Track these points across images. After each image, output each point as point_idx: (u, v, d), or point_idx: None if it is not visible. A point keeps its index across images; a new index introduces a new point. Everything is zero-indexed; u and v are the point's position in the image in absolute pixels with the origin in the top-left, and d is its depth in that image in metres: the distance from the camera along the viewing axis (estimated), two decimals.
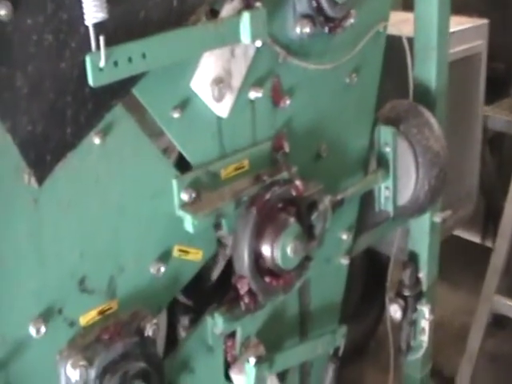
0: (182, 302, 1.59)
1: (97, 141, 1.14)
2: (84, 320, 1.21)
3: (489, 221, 3.00)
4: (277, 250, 1.38)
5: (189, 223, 1.28)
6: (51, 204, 1.12)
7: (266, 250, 1.39)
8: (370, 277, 2.51)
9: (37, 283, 1.13)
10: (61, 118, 1.07)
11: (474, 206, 2.36)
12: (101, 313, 1.22)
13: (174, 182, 1.28)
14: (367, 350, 2.65)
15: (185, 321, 1.63)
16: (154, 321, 1.26)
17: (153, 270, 1.30)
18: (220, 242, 1.43)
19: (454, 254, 2.25)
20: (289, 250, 1.39)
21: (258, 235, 1.37)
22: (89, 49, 1.05)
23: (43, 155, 1.07)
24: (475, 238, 3.04)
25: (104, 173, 1.18)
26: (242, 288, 1.41)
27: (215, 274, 1.50)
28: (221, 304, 1.45)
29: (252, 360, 1.50)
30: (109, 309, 1.23)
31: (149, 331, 1.25)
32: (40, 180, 1.08)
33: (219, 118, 1.33)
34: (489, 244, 2.88)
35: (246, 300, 1.43)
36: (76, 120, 1.09)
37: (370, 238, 1.93)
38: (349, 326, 1.79)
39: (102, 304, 1.22)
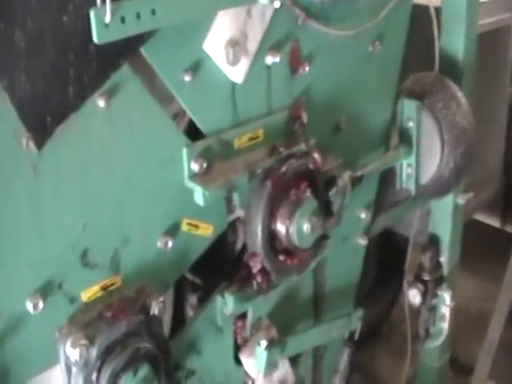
0: (190, 279, 1.58)
1: (101, 103, 1.11)
2: (85, 296, 1.18)
3: (509, 205, 2.89)
4: (292, 227, 1.36)
5: (199, 195, 1.25)
6: (52, 170, 1.09)
7: (280, 226, 1.36)
8: (384, 258, 2.47)
9: (35, 255, 1.10)
10: (62, 77, 1.04)
11: (496, 189, 2.32)
12: (103, 288, 1.20)
13: (184, 151, 1.25)
14: (380, 334, 2.62)
15: (193, 299, 1.62)
16: (161, 298, 1.24)
17: (160, 244, 1.27)
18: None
19: (472, 238, 2.15)
20: (305, 227, 1.37)
21: (272, 210, 1.35)
22: (94, 2, 1.00)
23: (43, 117, 1.03)
24: (494, 222, 2.93)
25: (109, 138, 1.14)
26: (255, 266, 1.38)
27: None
28: (231, 282, 1.43)
29: (263, 343, 1.48)
30: (112, 284, 1.21)
31: (154, 309, 1.23)
32: (39, 144, 1.04)
33: (233, 84, 1.30)
34: (509, 229, 2.81)
35: (259, 279, 1.41)
36: (79, 79, 1.05)
37: (389, 218, 1.88)
38: (362, 308, 1.77)
39: (104, 279, 1.20)
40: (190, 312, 1.62)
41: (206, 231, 1.35)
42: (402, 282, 1.98)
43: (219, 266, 1.50)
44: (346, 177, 1.46)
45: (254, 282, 1.41)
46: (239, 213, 1.40)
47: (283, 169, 1.35)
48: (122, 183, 1.18)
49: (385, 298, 2.58)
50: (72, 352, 1.12)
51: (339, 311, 1.76)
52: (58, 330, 1.15)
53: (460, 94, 1.66)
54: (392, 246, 2.31)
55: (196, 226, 1.33)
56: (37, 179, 1.06)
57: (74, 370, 1.13)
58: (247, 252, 1.38)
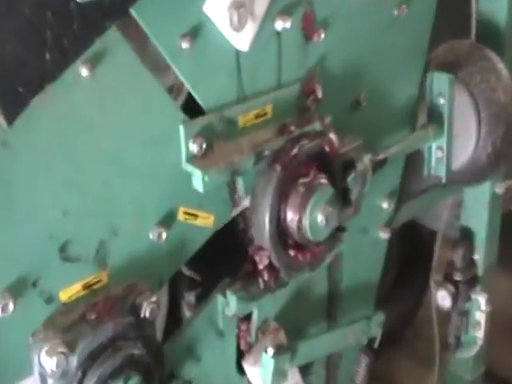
0: (188, 275, 1.58)
1: (84, 72, 1.07)
2: (65, 295, 1.16)
3: None
4: (304, 217, 1.35)
5: (198, 180, 1.23)
6: (26, 148, 1.05)
7: (291, 216, 1.35)
8: (408, 254, 2.50)
9: (5, 247, 1.07)
10: (38, 40, 1.00)
11: None
12: (87, 286, 1.17)
13: (181, 129, 1.23)
14: (403, 339, 2.63)
15: (190, 298, 1.63)
16: (153, 298, 1.21)
17: (152, 236, 1.24)
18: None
19: (507, 232, 2.13)
20: (319, 218, 1.36)
21: (281, 198, 1.34)
22: None
23: (13, 86, 0.99)
24: None
25: (94, 113, 1.11)
26: (261, 261, 1.38)
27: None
28: (234, 279, 1.42)
29: (270, 349, 1.47)
30: (97, 282, 1.19)
31: (146, 311, 1.20)
32: (9, 118, 1.00)
33: (238, 52, 1.27)
34: None
35: (265, 276, 1.40)
36: (57, 43, 1.02)
37: (415, 208, 1.87)
38: (381, 310, 1.78)
39: (88, 275, 1.18)
40: (186, 312, 1.63)
41: (206, 221, 1.33)
42: (428, 280, 1.96)
43: (221, 260, 1.50)
44: (366, 160, 1.45)
45: (260, 280, 1.40)
46: (244, 201, 1.39)
47: (294, 150, 1.34)
48: (110, 164, 1.16)
49: (409, 299, 2.58)
50: (48, 361, 1.08)
51: (357, 314, 1.75)
52: (32, 335, 1.12)
53: (500, 66, 1.64)
54: (417, 240, 2.33)
55: (194, 216, 1.31)
56: (6, 157, 1.03)
57: (49, 382, 1.10)
58: (252, 245, 1.37)
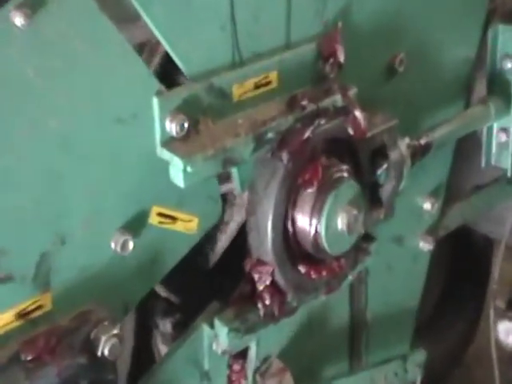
0: (163, 297, 1.59)
1: (19, 21, 1.05)
2: None
3: None
4: (320, 222, 1.35)
5: (177, 171, 1.22)
6: None
7: (301, 220, 1.36)
8: (456, 270, 2.51)
9: None
10: None
11: None
12: (22, 315, 1.16)
13: (156, 102, 1.21)
14: (449, 382, 2.62)
15: (166, 327, 1.63)
16: (114, 330, 1.20)
17: (115, 246, 1.23)
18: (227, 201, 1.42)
19: None
20: (339, 223, 1.36)
21: (289, 196, 1.34)
22: None
23: None
24: None
25: (33, 77, 1.09)
26: (261, 280, 1.38)
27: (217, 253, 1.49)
28: (225, 304, 1.42)
29: None
30: (37, 308, 1.17)
31: (104, 348, 1.19)
32: None
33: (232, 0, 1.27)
34: None
35: (267, 300, 1.39)
36: None
37: (468, 211, 1.90)
38: (421, 345, 1.81)
39: (25, 300, 1.16)
40: (161, 347, 1.63)
41: (188, 226, 1.33)
42: (484, 306, 2.05)
43: (208, 277, 1.51)
44: (402, 147, 1.46)
45: (260, 305, 1.40)
46: (240, 200, 1.39)
47: (307, 133, 1.34)
48: (56, 148, 1.14)
49: (458, 330, 2.59)
50: None
51: (389, 352, 1.77)
52: None
53: None
54: (470, 253, 2.36)
55: (172, 218, 1.31)
56: None
57: None
58: (250, 258, 1.38)
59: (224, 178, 1.37)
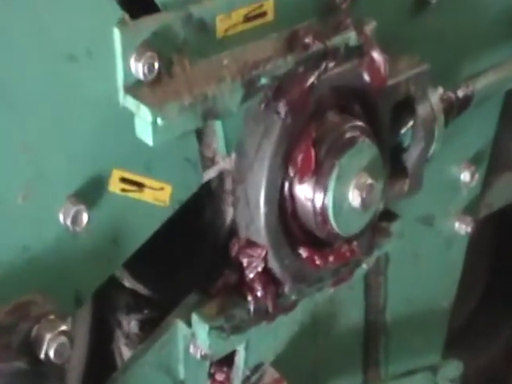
0: (128, 287, 1.60)
1: None
2: None
3: None
4: (326, 194, 1.36)
5: (145, 124, 1.22)
6: None
7: (302, 191, 1.37)
8: (500, 261, 2.54)
9: None
10: None
11: None
12: None
13: (117, 35, 1.19)
14: None
15: (131, 325, 1.64)
16: (63, 326, 1.19)
17: (64, 218, 1.23)
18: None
19: None
20: (351, 195, 1.37)
21: (287, 160, 1.36)
22: None
23: None
24: None
25: None
26: (252, 265, 1.39)
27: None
28: (206, 296, 1.43)
29: None
30: None
31: (49, 348, 1.17)
32: None
33: None
34: None
35: (259, 291, 1.40)
36: None
37: None
38: (459, 354, 1.82)
39: None
40: (124, 350, 1.64)
41: (159, 195, 1.33)
42: None
43: (183, 262, 1.52)
44: (434, 99, 1.48)
45: (250, 297, 1.41)
46: (224, 163, 1.40)
47: (311, 79, 1.34)
48: None
49: (500, 340, 2.60)
50: None
51: (413, 361, 1.79)
52: None
53: None
54: None
55: (138, 186, 1.31)
56: None
57: None
58: (237, 238, 1.40)
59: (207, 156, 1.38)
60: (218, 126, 1.35)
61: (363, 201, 1.36)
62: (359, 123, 1.39)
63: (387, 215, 1.49)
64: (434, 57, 1.48)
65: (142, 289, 1.59)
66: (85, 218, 1.23)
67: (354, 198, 1.36)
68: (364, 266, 1.51)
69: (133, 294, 1.60)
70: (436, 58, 1.49)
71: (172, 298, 1.46)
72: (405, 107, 1.45)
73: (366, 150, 1.38)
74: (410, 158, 1.47)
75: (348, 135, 1.37)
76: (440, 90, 1.49)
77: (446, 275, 1.83)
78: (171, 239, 1.44)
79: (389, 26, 1.45)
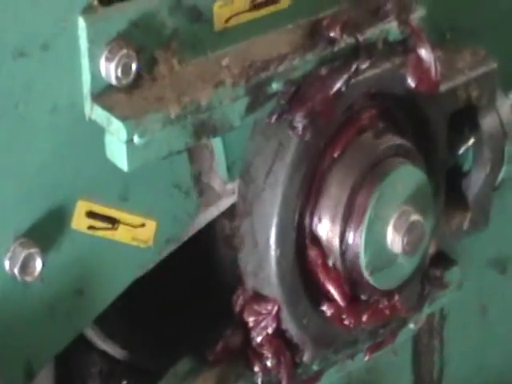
0: (101, 349, 1.61)
1: None
2: None
3: None
4: (357, 233, 1.35)
5: (117, 144, 1.20)
6: None
7: (325, 229, 1.36)
8: None
9: None
10: None
11: None
12: None
13: (82, 26, 1.18)
14: None
15: None
16: None
17: (10, 266, 1.21)
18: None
19: None
20: (389, 235, 1.36)
21: (306, 189, 1.35)
22: None
23: None
24: None
25: None
26: (260, 326, 1.39)
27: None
28: (202, 362, 1.42)
29: None
30: None
31: None
32: None
33: None
34: None
35: (269, 359, 1.40)
36: None
37: None
38: None
39: None
40: None
41: (139, 234, 1.32)
42: None
43: (173, 319, 1.55)
44: (505, 109, 1.51)
45: (258, 367, 1.40)
46: (227, 192, 1.41)
47: (338, 84, 1.32)
48: None
49: None
50: None
51: None
52: None
53: None
54: None
55: (111, 222, 1.30)
56: None
57: None
58: (243, 289, 1.39)
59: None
60: (217, 143, 1.33)
61: (406, 243, 1.34)
62: (401, 142, 1.38)
63: (442, 260, 1.50)
64: (505, 54, 1.50)
65: (118, 352, 1.61)
66: (38, 264, 1.20)
67: (394, 239, 1.33)
68: (411, 325, 1.51)
69: (107, 359, 1.61)
70: (508, 52, 1.48)
71: (157, 364, 1.47)
72: (465, 119, 1.46)
73: (409, 177, 1.36)
74: (472, 185, 1.48)
75: (386, 157, 1.36)
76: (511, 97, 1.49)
77: None
78: (156, 288, 1.45)
79: (443, 14, 1.48)
